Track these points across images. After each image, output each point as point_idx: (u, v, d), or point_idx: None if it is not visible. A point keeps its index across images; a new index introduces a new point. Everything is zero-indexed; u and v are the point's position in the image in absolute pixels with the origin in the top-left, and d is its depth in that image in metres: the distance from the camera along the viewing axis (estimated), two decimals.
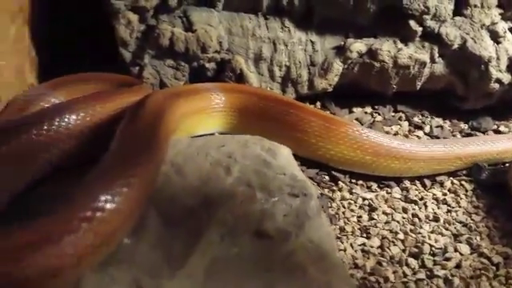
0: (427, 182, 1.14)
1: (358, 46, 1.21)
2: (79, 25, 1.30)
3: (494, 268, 0.94)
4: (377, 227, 1.02)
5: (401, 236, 1.00)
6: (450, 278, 0.91)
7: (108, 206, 0.64)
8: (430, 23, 1.19)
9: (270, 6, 1.22)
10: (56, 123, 0.87)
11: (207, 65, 1.22)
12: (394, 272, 0.92)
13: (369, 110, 1.33)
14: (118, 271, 0.69)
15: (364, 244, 0.98)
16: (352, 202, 1.08)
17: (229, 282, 0.72)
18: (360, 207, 1.07)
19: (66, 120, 0.88)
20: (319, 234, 0.82)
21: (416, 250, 0.97)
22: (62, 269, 0.60)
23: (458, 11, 1.20)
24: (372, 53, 1.21)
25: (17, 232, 0.58)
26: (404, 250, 0.98)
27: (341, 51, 1.22)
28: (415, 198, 1.09)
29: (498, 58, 1.19)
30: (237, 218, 0.79)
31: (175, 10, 1.20)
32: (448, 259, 0.95)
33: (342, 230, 1.01)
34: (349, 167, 1.10)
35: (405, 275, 0.92)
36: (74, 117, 0.89)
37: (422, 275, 0.92)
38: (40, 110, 0.97)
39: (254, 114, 1.10)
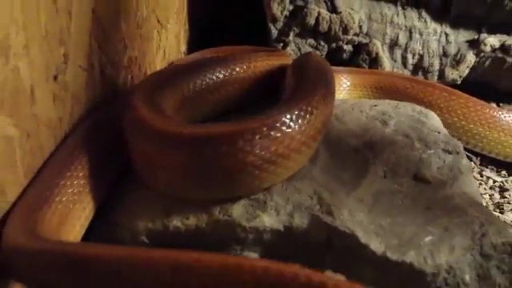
0: None
1: (492, 40, 1.27)
2: (230, 7, 1.44)
3: None
4: (510, 204, 1.06)
5: None
6: None
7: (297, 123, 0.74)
8: None
9: None
10: (227, 71, 0.99)
11: (345, 46, 1.31)
12: None
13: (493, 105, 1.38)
14: (301, 184, 0.78)
15: (498, 218, 1.02)
16: (483, 182, 1.13)
17: (393, 209, 0.78)
18: (491, 188, 1.12)
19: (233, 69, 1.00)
20: (471, 189, 0.87)
21: None
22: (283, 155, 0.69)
23: None
24: (505, 48, 1.26)
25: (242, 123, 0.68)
26: None
27: (474, 44, 1.29)
28: None
29: None
30: (398, 160, 0.87)
31: None
32: None
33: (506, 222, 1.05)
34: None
35: None
36: (237, 68, 1.01)
37: None
38: (211, 60, 1.08)
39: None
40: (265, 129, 0.69)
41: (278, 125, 0.69)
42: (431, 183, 0.85)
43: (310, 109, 0.73)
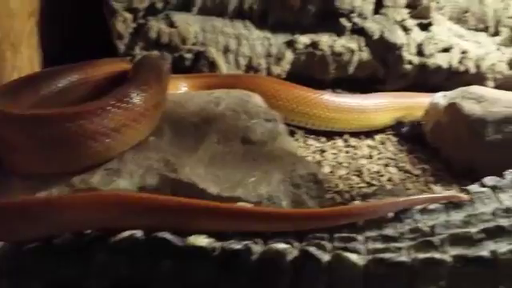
0: (362, 136, 1.48)
1: (304, 39, 1.57)
2: (80, 25, 1.59)
3: (416, 177, 1.27)
4: (327, 160, 1.33)
5: (345, 165, 1.32)
6: (384, 185, 1.23)
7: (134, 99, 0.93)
8: (357, 20, 1.58)
9: (235, 11, 1.57)
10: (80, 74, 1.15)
11: (186, 55, 1.53)
12: (343, 183, 1.23)
13: None
14: (150, 153, 0.96)
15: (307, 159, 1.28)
16: (307, 148, 1.40)
17: (226, 164, 0.99)
18: (313, 152, 1.39)
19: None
20: (288, 145, 1.12)
21: (357, 172, 1.29)
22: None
23: (376, 11, 1.60)
24: (314, 44, 1.57)
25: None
26: (348, 173, 1.29)
27: (291, 44, 1.58)
28: (354, 144, 1.43)
29: (408, 45, 1.59)
30: (228, 129, 1.08)
31: (160, 12, 1.52)
32: (382, 175, 1.27)
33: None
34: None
35: (350, 185, 1.23)
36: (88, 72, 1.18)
37: (363, 184, 1.23)
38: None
39: None
40: (108, 104, 0.88)
41: (118, 101, 0.87)
42: (256, 143, 1.08)
43: (144, 88, 0.93)
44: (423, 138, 1.46)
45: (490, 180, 0.76)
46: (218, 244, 0.63)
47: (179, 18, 1.52)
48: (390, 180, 1.26)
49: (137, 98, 0.94)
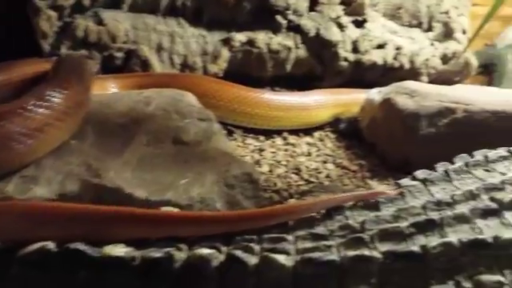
0: (301, 134, 1.47)
1: (240, 36, 1.54)
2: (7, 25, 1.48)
3: (353, 173, 1.27)
4: (265, 159, 1.30)
5: (284, 163, 1.29)
6: (322, 182, 1.21)
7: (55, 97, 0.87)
8: (292, 17, 1.56)
9: (167, 8, 1.52)
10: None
11: (116, 54, 1.46)
12: (281, 182, 1.20)
13: None
14: (70, 157, 0.89)
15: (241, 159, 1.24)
16: (246, 147, 1.36)
17: (155, 167, 0.94)
18: (252, 151, 1.36)
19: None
20: (223, 145, 1.08)
21: (296, 170, 1.27)
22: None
23: (311, 8, 1.59)
24: (251, 41, 1.54)
25: None
26: (287, 171, 1.27)
27: (227, 42, 1.54)
28: (293, 142, 1.41)
29: (343, 42, 1.59)
30: (158, 130, 1.03)
31: (87, 10, 1.44)
32: (320, 172, 1.26)
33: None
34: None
35: (289, 184, 1.21)
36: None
37: (301, 182, 1.21)
38: None
39: None
40: (28, 103, 0.81)
41: (38, 99, 0.80)
42: (189, 144, 1.03)
43: (65, 86, 0.86)
44: (360, 134, 1.46)
45: (421, 173, 0.75)
46: (137, 253, 0.59)
47: (108, 15, 1.44)
48: (327, 177, 1.25)
49: (58, 97, 0.88)
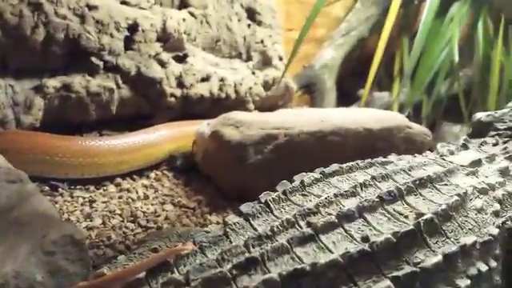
0: (135, 177, 1.40)
1: (53, 82, 1.43)
2: None
3: (192, 210, 1.24)
4: (97, 211, 1.21)
5: (118, 212, 1.22)
6: (161, 225, 1.17)
7: None
8: (108, 58, 1.50)
9: None
10: None
11: None
12: (116, 233, 1.12)
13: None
14: None
15: (88, 225, 1.16)
16: (74, 201, 1.26)
17: None
18: (82, 204, 1.25)
19: None
20: (40, 205, 0.97)
21: (132, 217, 1.20)
22: None
23: (128, 47, 1.54)
24: (66, 86, 1.44)
25: None
26: (123, 220, 1.19)
27: (39, 89, 1.42)
28: (127, 187, 1.34)
29: (167, 78, 1.58)
30: None
31: None
32: (158, 216, 1.21)
33: (67, 221, 1.17)
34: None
35: (125, 234, 1.14)
36: None
37: (139, 230, 1.15)
38: None
39: None
40: None
41: None
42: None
43: None
44: (197, 168, 1.45)
45: (244, 207, 0.74)
46: None
47: None
48: (166, 219, 1.21)
49: None
